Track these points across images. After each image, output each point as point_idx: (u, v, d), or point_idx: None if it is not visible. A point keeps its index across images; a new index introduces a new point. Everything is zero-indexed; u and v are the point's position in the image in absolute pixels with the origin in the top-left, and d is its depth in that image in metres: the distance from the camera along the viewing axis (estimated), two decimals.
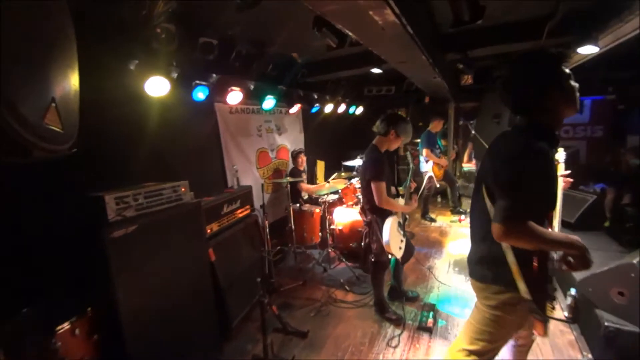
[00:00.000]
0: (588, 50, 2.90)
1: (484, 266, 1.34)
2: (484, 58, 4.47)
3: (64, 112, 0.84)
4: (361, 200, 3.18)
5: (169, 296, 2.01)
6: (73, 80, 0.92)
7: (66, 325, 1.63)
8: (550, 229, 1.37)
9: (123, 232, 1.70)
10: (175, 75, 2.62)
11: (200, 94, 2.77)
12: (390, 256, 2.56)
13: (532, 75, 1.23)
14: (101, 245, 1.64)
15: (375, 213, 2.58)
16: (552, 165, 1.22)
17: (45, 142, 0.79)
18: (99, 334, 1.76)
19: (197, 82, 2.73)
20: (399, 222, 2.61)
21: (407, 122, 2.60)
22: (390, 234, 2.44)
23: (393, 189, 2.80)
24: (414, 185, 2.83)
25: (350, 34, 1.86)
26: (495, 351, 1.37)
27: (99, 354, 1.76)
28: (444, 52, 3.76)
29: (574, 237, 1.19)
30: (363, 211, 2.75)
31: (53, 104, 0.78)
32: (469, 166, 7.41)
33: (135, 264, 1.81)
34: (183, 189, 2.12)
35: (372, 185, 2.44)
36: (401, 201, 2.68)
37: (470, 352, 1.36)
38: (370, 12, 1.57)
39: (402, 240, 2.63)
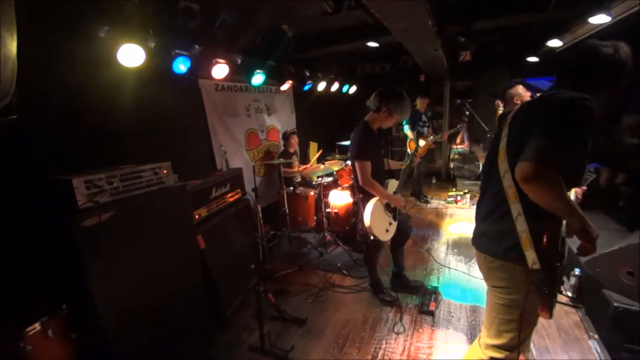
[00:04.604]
0: (600, 19, 2.74)
1: (492, 239, 1.23)
2: (485, 32, 4.27)
3: None
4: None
5: (154, 288, 1.84)
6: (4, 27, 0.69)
7: (37, 326, 1.44)
8: None
9: (96, 221, 1.49)
10: (152, 45, 2.33)
11: (181, 66, 2.50)
12: (372, 237, 2.43)
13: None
14: (71, 236, 1.43)
15: (362, 192, 2.46)
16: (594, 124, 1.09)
17: None
18: (78, 333, 1.59)
19: (178, 52, 2.45)
20: (387, 204, 2.45)
21: (403, 99, 2.38)
22: (373, 216, 2.31)
23: (393, 163, 2.68)
24: (417, 159, 2.70)
25: None
26: (526, 341, 1.25)
27: (79, 355, 1.59)
28: (444, 23, 3.54)
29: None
30: (352, 190, 2.63)
31: None
32: (463, 147, 7.30)
33: (113, 255, 1.62)
34: (165, 171, 1.90)
35: (356, 164, 2.34)
36: (393, 184, 2.53)
37: (499, 347, 1.24)
38: None
39: (390, 223, 2.49)
